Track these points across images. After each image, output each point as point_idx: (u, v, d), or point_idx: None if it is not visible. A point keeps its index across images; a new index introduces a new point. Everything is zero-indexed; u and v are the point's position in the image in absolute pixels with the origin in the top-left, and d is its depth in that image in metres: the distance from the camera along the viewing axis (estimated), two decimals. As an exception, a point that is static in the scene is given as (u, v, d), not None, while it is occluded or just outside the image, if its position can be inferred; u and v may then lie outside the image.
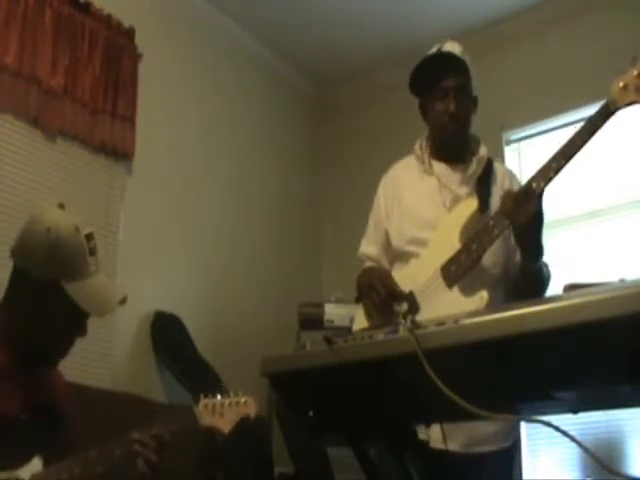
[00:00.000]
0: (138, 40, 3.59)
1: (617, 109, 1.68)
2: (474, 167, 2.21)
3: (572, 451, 3.37)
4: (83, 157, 3.32)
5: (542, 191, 1.81)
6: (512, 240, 2.02)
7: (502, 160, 3.61)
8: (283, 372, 1.63)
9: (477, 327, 1.33)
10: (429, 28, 4.10)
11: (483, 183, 2.17)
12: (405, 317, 1.44)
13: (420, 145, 2.30)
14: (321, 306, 3.76)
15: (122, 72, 3.48)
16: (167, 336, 3.51)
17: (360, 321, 2.12)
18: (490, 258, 2.01)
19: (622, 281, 1.24)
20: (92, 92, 3.33)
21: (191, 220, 3.87)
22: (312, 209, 4.85)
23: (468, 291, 1.91)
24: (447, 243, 2.01)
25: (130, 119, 3.48)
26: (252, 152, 4.40)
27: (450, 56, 2.16)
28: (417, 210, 2.21)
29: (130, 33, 3.57)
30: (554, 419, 1.34)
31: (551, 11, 4.10)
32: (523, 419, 1.94)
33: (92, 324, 1.81)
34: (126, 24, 3.55)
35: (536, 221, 1.86)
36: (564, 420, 1.38)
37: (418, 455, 1.93)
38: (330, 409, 1.61)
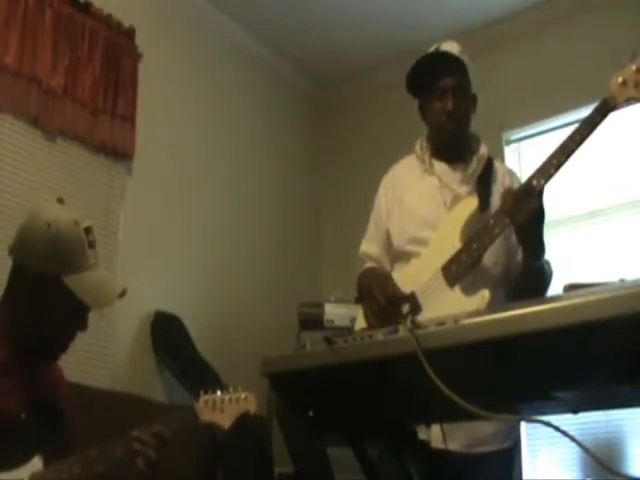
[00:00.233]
0: (138, 40, 3.59)
1: (616, 105, 1.67)
2: (474, 166, 2.21)
3: (572, 451, 3.37)
4: (83, 157, 3.32)
5: (542, 188, 1.81)
6: (513, 239, 2.02)
7: (502, 160, 3.61)
8: (283, 372, 1.63)
9: (477, 327, 1.33)
10: (429, 28, 4.10)
11: (483, 182, 2.17)
12: (405, 317, 1.43)
13: (421, 145, 2.30)
14: (321, 306, 3.76)
15: (122, 72, 3.48)
16: (167, 336, 3.51)
17: (361, 321, 2.12)
18: (491, 257, 2.01)
19: (622, 281, 1.24)
20: (92, 92, 3.33)
21: (191, 220, 3.87)
22: (312, 209, 4.85)
23: (469, 290, 1.91)
24: (448, 242, 2.01)
25: (130, 119, 3.48)
26: (252, 152, 4.40)
27: (447, 55, 2.16)
28: (418, 210, 2.21)
29: (130, 33, 3.57)
30: (554, 419, 1.34)
31: (551, 11, 4.10)
32: (523, 419, 1.93)
33: (92, 324, 1.81)
34: (126, 24, 3.55)
35: (537, 219, 1.85)
36: (564, 420, 1.38)
37: (418, 455, 1.93)
38: (330, 409, 1.61)
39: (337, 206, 4.76)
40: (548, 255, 2.00)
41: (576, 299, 1.22)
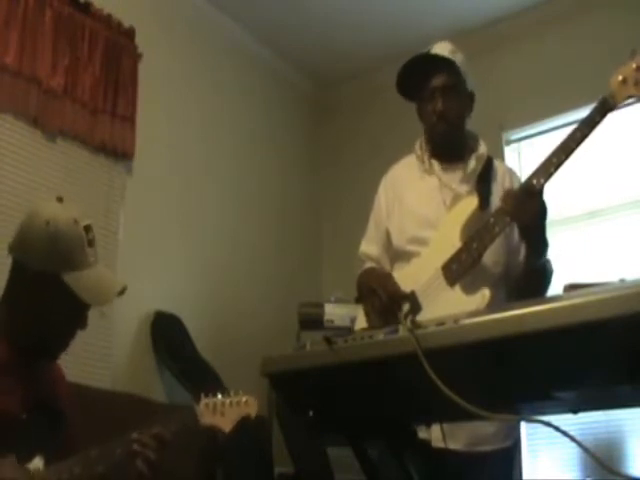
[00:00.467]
0: (138, 40, 3.59)
1: (616, 103, 1.67)
2: (473, 164, 2.21)
3: (572, 451, 3.37)
4: (83, 157, 3.32)
5: (543, 187, 1.81)
6: (513, 238, 2.03)
7: (502, 160, 3.60)
8: (283, 372, 1.63)
9: (477, 327, 1.33)
10: (429, 28, 4.10)
11: (483, 181, 2.17)
12: (405, 317, 1.44)
13: (420, 145, 2.30)
14: (321, 306, 3.76)
15: (122, 72, 3.48)
16: (167, 336, 3.51)
17: (362, 321, 2.12)
18: (491, 257, 2.01)
19: (622, 281, 1.24)
20: (92, 92, 3.33)
21: (191, 220, 3.87)
22: (312, 209, 4.85)
23: (470, 289, 1.91)
24: (448, 242, 2.01)
25: (130, 119, 3.48)
26: (252, 152, 4.40)
27: (435, 56, 2.16)
28: (418, 209, 2.21)
29: (130, 33, 3.57)
30: (554, 419, 1.34)
31: (551, 11, 4.10)
32: (523, 419, 1.93)
33: (92, 324, 1.81)
34: (126, 24, 3.55)
35: (539, 218, 1.86)
36: (564, 420, 1.38)
37: (418, 455, 1.94)
38: (330, 409, 1.61)
39: (337, 206, 4.76)
40: (548, 255, 2.01)
41: (576, 299, 1.22)
